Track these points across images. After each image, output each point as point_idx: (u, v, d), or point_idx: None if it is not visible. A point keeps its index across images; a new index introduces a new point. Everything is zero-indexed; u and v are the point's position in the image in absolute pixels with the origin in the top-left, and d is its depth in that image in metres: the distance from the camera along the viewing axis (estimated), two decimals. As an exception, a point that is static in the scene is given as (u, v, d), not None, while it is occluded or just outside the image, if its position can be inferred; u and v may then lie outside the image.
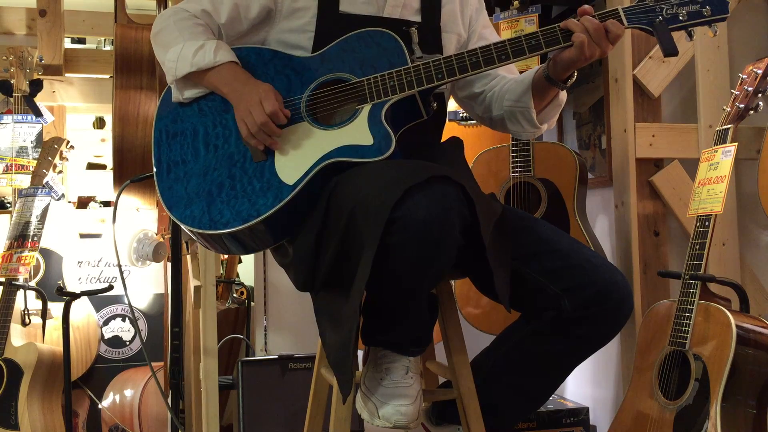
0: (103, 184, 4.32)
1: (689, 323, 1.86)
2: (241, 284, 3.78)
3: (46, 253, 3.26)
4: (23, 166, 3.29)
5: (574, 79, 1.54)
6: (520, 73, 1.69)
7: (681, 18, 1.43)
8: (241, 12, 1.58)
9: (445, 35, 1.65)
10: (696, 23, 1.44)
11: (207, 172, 1.48)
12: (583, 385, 2.82)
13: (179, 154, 1.51)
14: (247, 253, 1.56)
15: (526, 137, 1.74)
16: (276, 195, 1.40)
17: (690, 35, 1.46)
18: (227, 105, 1.52)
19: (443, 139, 1.71)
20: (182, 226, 1.46)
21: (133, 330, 3.38)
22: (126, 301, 3.38)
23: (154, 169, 1.52)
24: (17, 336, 2.94)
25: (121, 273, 2.15)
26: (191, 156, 1.50)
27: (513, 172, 2.41)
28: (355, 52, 1.51)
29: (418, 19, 1.62)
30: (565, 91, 1.60)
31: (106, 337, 3.35)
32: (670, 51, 1.42)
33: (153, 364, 3.21)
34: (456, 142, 1.67)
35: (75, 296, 2.69)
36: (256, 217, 1.39)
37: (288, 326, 2.87)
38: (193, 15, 1.57)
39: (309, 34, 1.57)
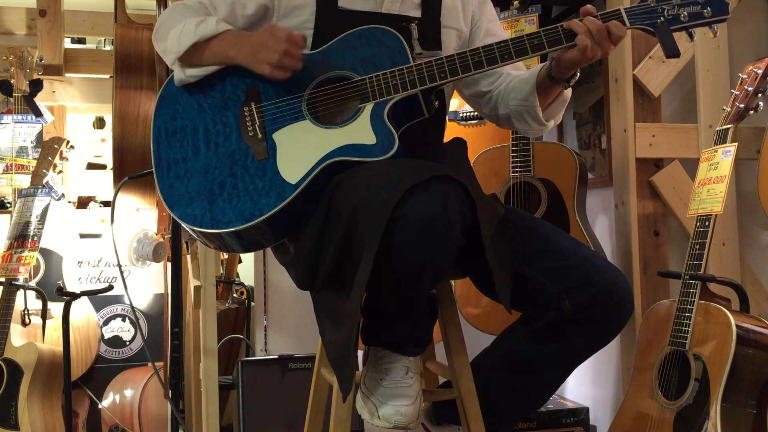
0: (103, 184, 4.33)
1: (689, 323, 1.86)
2: (241, 284, 3.78)
3: (46, 253, 3.26)
4: (23, 166, 3.29)
5: (577, 78, 1.55)
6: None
7: (682, 19, 1.44)
8: (237, 9, 1.58)
9: (444, 31, 1.65)
10: (697, 24, 1.44)
11: (208, 170, 1.47)
12: (583, 385, 2.82)
13: (179, 152, 1.51)
14: (248, 251, 1.55)
15: (534, 134, 1.75)
16: (278, 194, 1.40)
17: (691, 36, 1.46)
18: (227, 102, 1.52)
19: (446, 140, 1.71)
20: (183, 225, 1.46)
21: (133, 330, 3.38)
22: (126, 301, 3.38)
23: (154, 167, 1.52)
24: (17, 336, 2.94)
25: (122, 272, 2.15)
26: (191, 154, 1.50)
27: (513, 172, 2.41)
28: (356, 49, 1.51)
29: (417, 14, 1.62)
30: (570, 87, 1.60)
31: (106, 337, 3.35)
32: (672, 52, 1.42)
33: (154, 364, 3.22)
34: (459, 143, 1.66)
35: (75, 296, 2.69)
36: (259, 217, 1.39)
37: (288, 326, 2.87)
38: (191, 6, 1.58)
39: (308, 32, 1.56)
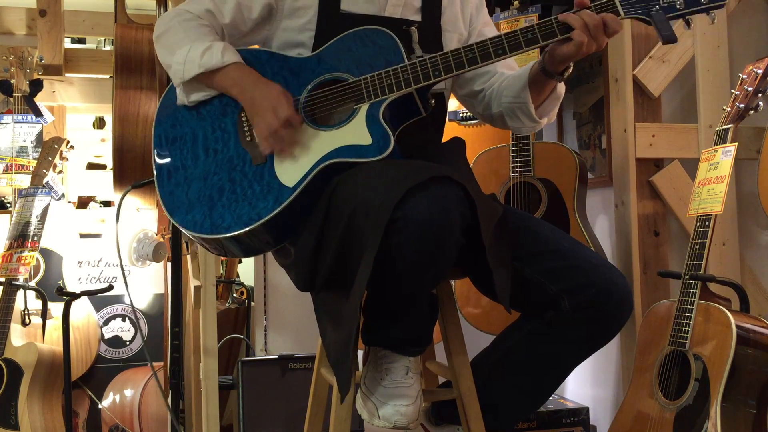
0: (103, 184, 4.33)
1: (689, 323, 1.86)
2: (241, 284, 3.78)
3: (46, 253, 3.26)
4: (23, 166, 3.29)
5: (570, 70, 1.53)
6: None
7: (678, 6, 1.40)
8: (244, 12, 1.58)
9: (446, 34, 1.65)
10: (693, 11, 1.40)
11: (207, 176, 1.48)
12: (583, 385, 2.82)
13: (179, 159, 1.51)
14: (249, 255, 1.56)
15: (526, 132, 1.74)
16: (276, 198, 1.41)
17: (688, 24, 1.43)
18: (226, 109, 1.52)
19: (444, 140, 1.71)
20: (184, 231, 1.46)
21: (133, 330, 3.38)
22: (126, 301, 3.38)
23: (155, 175, 1.52)
24: (17, 336, 2.94)
25: (124, 274, 2.15)
26: (191, 161, 1.50)
27: (513, 172, 2.41)
28: (351, 51, 1.51)
29: (418, 18, 1.62)
30: (563, 83, 1.59)
31: (106, 337, 3.35)
32: (669, 38, 1.38)
33: (153, 364, 3.22)
34: (458, 143, 1.66)
35: (75, 296, 2.69)
36: (257, 221, 1.39)
37: (288, 326, 2.87)
38: (197, 16, 1.56)
39: (310, 33, 1.57)
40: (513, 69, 1.69)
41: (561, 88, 1.62)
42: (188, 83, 1.52)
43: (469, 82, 1.72)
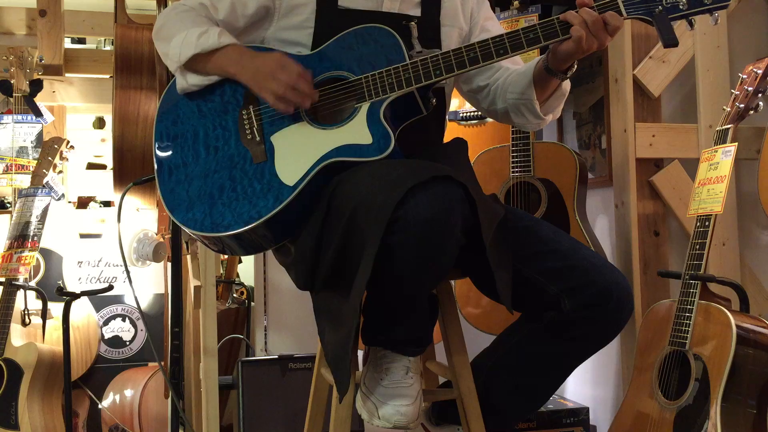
0: (103, 184, 4.32)
1: (689, 323, 1.86)
2: (241, 284, 3.78)
3: (46, 253, 3.26)
4: (23, 166, 3.29)
5: (574, 69, 1.52)
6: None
7: (681, 7, 1.39)
8: (238, 8, 1.57)
9: (444, 29, 1.65)
10: (696, 11, 1.40)
11: (208, 174, 1.48)
12: (583, 385, 2.82)
13: (180, 157, 1.51)
14: (249, 253, 1.56)
15: (532, 128, 1.74)
16: (276, 196, 1.41)
17: (691, 24, 1.42)
18: (227, 106, 1.52)
19: (446, 140, 1.71)
20: (185, 229, 1.46)
21: (133, 330, 3.38)
22: (127, 301, 3.38)
23: (156, 172, 1.52)
24: (17, 336, 2.94)
25: (128, 274, 2.15)
26: (192, 158, 1.50)
27: (513, 172, 2.41)
28: (352, 49, 1.50)
29: (417, 13, 1.61)
30: (568, 80, 1.59)
31: (106, 337, 3.35)
32: (670, 42, 1.38)
33: (153, 364, 3.22)
34: (460, 143, 1.66)
35: (75, 296, 2.69)
36: (257, 219, 1.39)
37: (288, 326, 2.87)
38: (192, 8, 1.57)
39: (308, 31, 1.57)
40: (517, 64, 1.69)
41: (566, 85, 1.62)
42: (185, 67, 1.52)
43: (473, 77, 1.71)
